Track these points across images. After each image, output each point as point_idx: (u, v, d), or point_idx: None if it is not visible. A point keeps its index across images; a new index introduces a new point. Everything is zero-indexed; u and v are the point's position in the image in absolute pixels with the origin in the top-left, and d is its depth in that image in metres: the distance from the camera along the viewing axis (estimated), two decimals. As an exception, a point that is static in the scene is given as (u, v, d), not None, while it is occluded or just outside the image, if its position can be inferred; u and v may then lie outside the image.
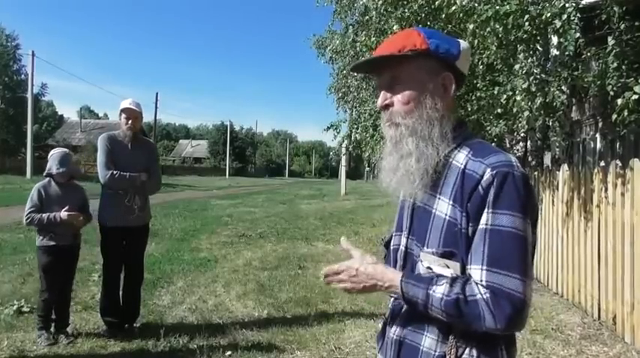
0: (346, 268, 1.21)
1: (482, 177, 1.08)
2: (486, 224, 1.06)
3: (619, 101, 4.26)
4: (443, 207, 1.13)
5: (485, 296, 1.03)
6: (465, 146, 1.17)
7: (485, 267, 1.05)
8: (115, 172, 3.90)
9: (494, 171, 1.07)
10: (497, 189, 1.06)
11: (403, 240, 1.25)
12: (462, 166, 1.13)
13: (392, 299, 1.30)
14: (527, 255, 1.07)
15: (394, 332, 1.24)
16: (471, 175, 1.10)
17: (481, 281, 1.04)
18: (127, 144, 4.05)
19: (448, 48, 1.19)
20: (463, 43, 1.24)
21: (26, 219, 3.74)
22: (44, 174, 3.87)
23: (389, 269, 1.19)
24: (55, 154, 3.88)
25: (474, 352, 1.11)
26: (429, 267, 1.13)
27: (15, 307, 4.46)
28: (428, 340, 1.15)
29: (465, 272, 1.09)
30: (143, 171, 4.02)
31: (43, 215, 3.71)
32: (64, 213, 3.70)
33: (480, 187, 1.08)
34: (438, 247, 1.12)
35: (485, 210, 1.06)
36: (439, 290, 1.06)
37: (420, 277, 1.12)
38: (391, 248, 1.30)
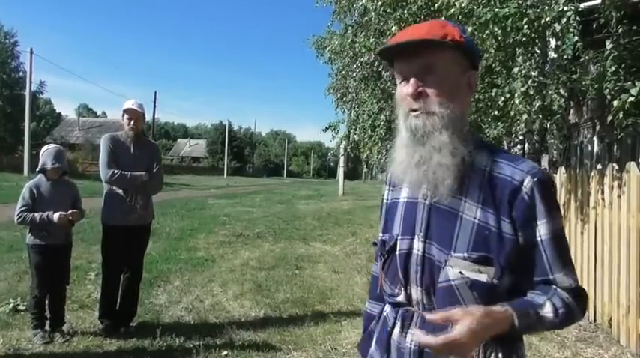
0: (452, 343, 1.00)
1: (521, 183, 1.09)
2: (552, 232, 1.10)
3: (615, 103, 4.28)
4: (471, 211, 1.10)
5: (571, 297, 1.11)
6: (482, 147, 1.17)
7: (568, 269, 1.12)
8: (115, 171, 3.90)
9: (535, 179, 1.10)
10: (544, 197, 1.10)
11: (419, 245, 1.16)
12: (488, 169, 1.13)
13: (389, 306, 1.27)
14: (569, 250, 1.17)
15: (411, 340, 1.16)
16: (505, 180, 1.10)
17: (570, 284, 1.11)
18: (130, 145, 4.06)
19: (473, 45, 1.19)
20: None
21: (18, 218, 3.72)
22: (37, 169, 3.84)
23: (490, 309, 1.04)
24: (49, 149, 3.87)
25: (500, 355, 1.12)
26: (460, 272, 1.09)
27: (11, 305, 4.46)
28: None
29: (503, 277, 1.09)
30: (145, 172, 4.02)
31: (36, 214, 3.68)
32: (56, 216, 3.68)
33: (524, 195, 1.09)
34: (468, 251, 1.08)
35: (544, 219, 1.10)
36: (547, 310, 1.08)
37: (521, 304, 1.07)
38: (397, 253, 1.20)
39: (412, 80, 1.14)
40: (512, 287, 1.12)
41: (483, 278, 1.08)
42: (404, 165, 1.16)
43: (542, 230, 1.10)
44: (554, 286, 1.11)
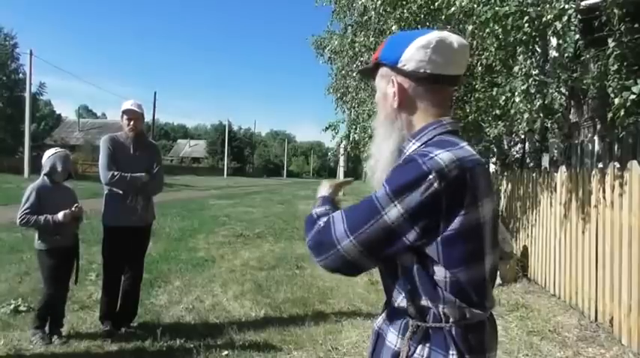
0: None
1: None
2: (372, 193, 1.16)
3: (616, 101, 4.26)
4: None
5: (320, 223, 1.22)
6: (429, 145, 1.17)
7: (344, 211, 1.20)
8: (115, 173, 3.89)
9: (408, 157, 1.14)
10: (400, 171, 1.12)
11: None
12: None
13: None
14: (370, 223, 1.11)
15: (377, 322, 1.30)
16: None
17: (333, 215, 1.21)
18: (130, 146, 4.04)
19: (388, 55, 1.25)
20: (420, 41, 1.19)
21: (20, 220, 3.70)
22: (46, 172, 3.80)
23: (328, 191, 1.43)
24: (59, 153, 3.88)
25: (425, 352, 1.14)
26: None
27: (12, 306, 4.45)
28: (391, 334, 1.20)
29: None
30: (145, 173, 4.01)
31: (40, 217, 3.66)
32: (60, 215, 3.66)
33: None
34: None
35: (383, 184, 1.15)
36: (317, 210, 1.31)
37: (324, 200, 1.37)
38: None
39: None
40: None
41: None
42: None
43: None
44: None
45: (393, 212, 1.09)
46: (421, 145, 1.19)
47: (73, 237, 3.87)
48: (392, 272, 1.19)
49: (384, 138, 1.27)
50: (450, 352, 1.12)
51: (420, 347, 1.14)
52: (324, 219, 1.22)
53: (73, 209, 3.73)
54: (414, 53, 1.20)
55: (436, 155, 1.09)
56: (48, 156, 3.85)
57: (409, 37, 1.24)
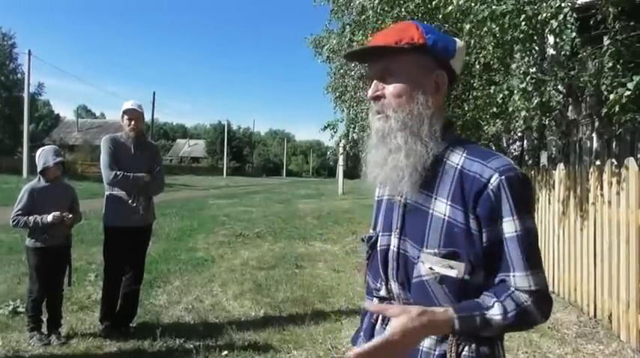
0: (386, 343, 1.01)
1: (488, 180, 1.09)
2: (516, 231, 1.08)
3: (611, 96, 4.26)
4: (441, 208, 1.13)
5: (531, 300, 1.08)
6: (457, 146, 1.17)
7: (530, 271, 1.09)
8: (118, 173, 3.90)
9: (503, 176, 1.08)
10: (512, 194, 1.08)
11: (394, 241, 1.21)
12: (459, 166, 1.13)
13: (375, 300, 1.28)
14: (538, 252, 1.15)
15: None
16: (473, 177, 1.10)
17: (530, 286, 1.08)
18: (130, 146, 4.05)
19: (445, 45, 1.17)
20: (459, 42, 1.21)
21: (13, 221, 3.72)
22: (40, 169, 3.81)
23: (428, 309, 1.07)
24: (47, 148, 3.89)
25: (474, 347, 1.11)
26: (430, 268, 1.12)
27: (10, 307, 4.44)
28: (427, 340, 1.14)
29: (475, 273, 1.09)
30: (146, 173, 4.01)
31: (30, 218, 3.67)
32: (49, 216, 3.66)
33: (489, 191, 1.08)
34: (439, 248, 1.11)
35: (510, 217, 1.08)
36: (495, 312, 1.06)
37: (467, 306, 1.08)
38: (378, 248, 1.25)
39: (373, 83, 1.20)
40: (485, 283, 1.12)
41: (453, 273, 1.10)
42: (371, 165, 1.22)
43: (507, 227, 1.08)
44: (512, 288, 1.08)
45: (531, 224, 1.13)
46: (449, 147, 1.16)
47: (63, 238, 3.85)
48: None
49: (415, 133, 1.15)
50: (496, 340, 1.15)
51: (467, 345, 1.11)
52: (522, 296, 1.09)
53: (64, 214, 3.72)
54: (461, 51, 1.20)
55: (513, 163, 1.15)
56: (38, 154, 3.86)
57: (442, 33, 1.22)
